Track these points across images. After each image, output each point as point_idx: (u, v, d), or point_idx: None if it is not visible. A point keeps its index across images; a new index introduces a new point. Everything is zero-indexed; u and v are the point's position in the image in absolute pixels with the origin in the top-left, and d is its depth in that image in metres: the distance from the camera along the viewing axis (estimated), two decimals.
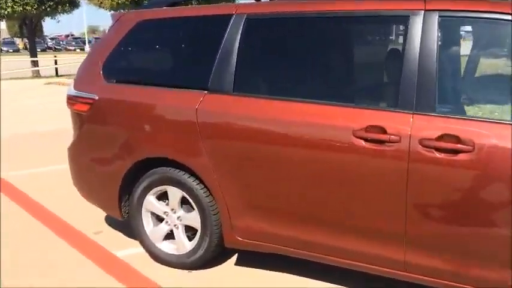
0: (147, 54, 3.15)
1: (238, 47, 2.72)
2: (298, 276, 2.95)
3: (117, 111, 3.09)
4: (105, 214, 3.95)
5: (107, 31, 3.38)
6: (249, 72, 2.75)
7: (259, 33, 2.74)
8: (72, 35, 73.58)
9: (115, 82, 3.13)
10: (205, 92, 2.78)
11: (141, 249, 3.31)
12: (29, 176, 5.20)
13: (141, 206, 3.11)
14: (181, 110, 2.83)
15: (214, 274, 3.04)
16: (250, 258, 3.10)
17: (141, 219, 3.14)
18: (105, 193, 3.23)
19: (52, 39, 68.63)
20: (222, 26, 2.79)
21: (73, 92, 3.28)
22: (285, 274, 2.99)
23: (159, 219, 3.16)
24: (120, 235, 3.63)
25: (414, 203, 2.28)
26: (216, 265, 3.11)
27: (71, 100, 3.29)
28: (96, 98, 3.12)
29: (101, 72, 3.17)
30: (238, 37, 2.72)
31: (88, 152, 3.28)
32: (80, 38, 64.84)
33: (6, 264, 3.19)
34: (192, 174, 2.88)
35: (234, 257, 3.22)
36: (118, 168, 3.10)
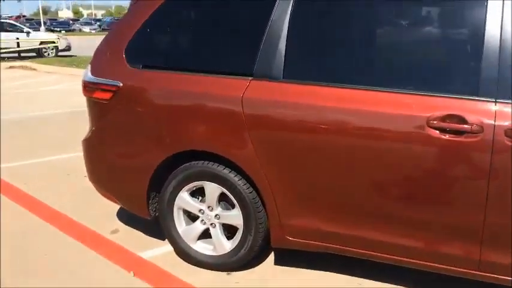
0: (178, 36, 2.84)
1: (288, 28, 2.47)
2: (345, 276, 2.78)
3: (146, 99, 2.79)
4: (116, 210, 3.68)
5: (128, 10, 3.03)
6: (300, 56, 2.50)
7: (312, 14, 2.49)
8: (23, 16, 70.07)
9: (141, 67, 2.82)
10: (250, 78, 2.52)
11: (167, 249, 3.08)
12: (18, 168, 4.79)
13: (173, 203, 2.85)
14: (224, 99, 2.56)
15: (255, 275, 2.83)
16: (289, 256, 2.90)
17: (173, 218, 2.88)
18: (131, 190, 2.94)
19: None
20: (268, 5, 2.53)
21: (91, 78, 2.95)
22: (331, 273, 2.81)
23: (191, 217, 2.91)
24: (139, 234, 3.35)
25: (496, 197, 2.12)
26: (255, 265, 2.89)
27: (89, 87, 2.96)
28: (121, 85, 2.81)
29: (124, 56, 2.86)
30: (287, 17, 2.47)
31: (110, 145, 2.97)
32: (33, 19, 61.84)
33: (6, 264, 2.89)
34: (233, 168, 2.63)
35: (271, 256, 3.01)
36: (147, 163, 2.81)
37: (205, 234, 2.87)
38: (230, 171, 2.65)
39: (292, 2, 2.47)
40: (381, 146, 2.27)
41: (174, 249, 2.96)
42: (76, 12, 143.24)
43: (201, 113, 2.64)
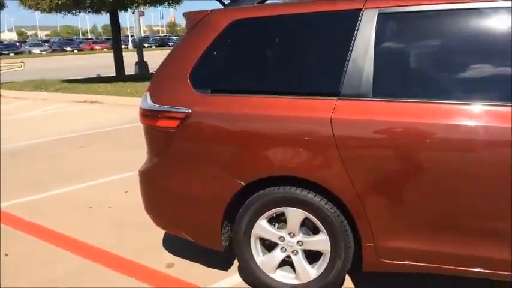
0: (249, 58, 2.72)
1: (375, 46, 2.42)
2: None
3: (219, 126, 2.65)
4: (159, 243, 3.50)
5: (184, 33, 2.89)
6: (391, 73, 2.45)
7: (400, 30, 2.45)
8: None
9: (210, 92, 2.69)
10: (336, 98, 2.45)
11: (235, 280, 2.95)
12: (33, 204, 4.47)
13: (250, 232, 2.71)
14: (309, 121, 2.47)
15: None
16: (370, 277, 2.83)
17: (250, 248, 2.74)
18: (202, 222, 2.78)
19: None
20: (350, 23, 2.47)
21: (154, 105, 2.78)
22: None
23: (266, 245, 2.78)
24: (198, 266, 3.17)
25: None
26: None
27: (151, 115, 2.79)
28: (189, 111, 2.67)
29: (189, 81, 2.72)
30: (373, 35, 2.42)
31: (177, 176, 2.80)
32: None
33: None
34: (318, 192, 2.54)
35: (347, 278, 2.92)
36: (222, 193, 2.67)
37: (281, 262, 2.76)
38: (315, 195, 2.55)
39: (376, 21, 2.43)
40: (485, 161, 2.24)
41: (251, 280, 2.81)
42: (20, 33, 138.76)
43: (283, 137, 2.53)
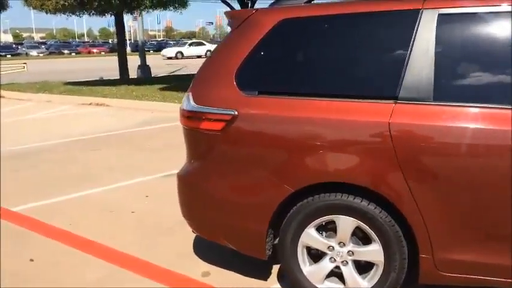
0: (299, 59, 2.61)
1: (435, 47, 2.31)
2: None
3: (268, 129, 2.54)
4: (190, 250, 3.37)
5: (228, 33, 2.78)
6: (453, 77, 2.35)
7: (461, 31, 2.35)
8: None
9: (257, 94, 2.57)
10: (393, 101, 2.34)
11: None
12: (52, 207, 4.33)
13: (298, 241, 2.59)
14: (367, 126, 2.36)
15: None
16: None
17: (297, 258, 2.62)
18: (247, 229, 2.66)
19: None
20: (408, 24, 2.37)
21: (197, 107, 2.66)
22: None
23: (312, 255, 2.66)
24: (236, 276, 3.03)
25: None
26: None
27: (194, 117, 2.67)
28: (235, 113, 2.55)
29: (235, 82, 2.60)
30: (433, 36, 2.32)
31: (220, 180, 2.68)
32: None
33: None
34: (372, 200, 2.43)
35: None
36: (269, 199, 2.55)
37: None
38: (368, 203, 2.43)
39: (436, 22, 2.32)
40: None
41: None
42: (16, 35, 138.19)
43: (337, 141, 2.42)
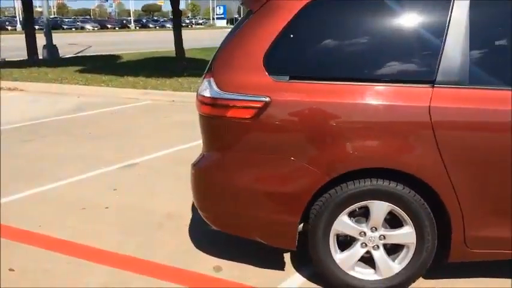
0: (330, 42, 2.51)
1: (470, 32, 2.37)
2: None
3: (303, 116, 2.44)
4: (191, 246, 3.20)
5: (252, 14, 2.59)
6: (487, 60, 2.42)
7: (494, 16, 2.42)
8: None
9: (288, 79, 2.46)
10: (430, 85, 2.37)
11: (299, 280, 2.78)
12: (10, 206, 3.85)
13: (330, 229, 2.55)
14: (406, 110, 2.37)
15: None
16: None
17: (328, 245, 2.58)
18: (278, 220, 2.56)
19: None
20: (441, 7, 2.40)
21: (223, 93, 2.48)
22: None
23: (340, 242, 2.64)
24: (249, 268, 2.92)
25: None
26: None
27: (219, 105, 2.49)
28: (268, 100, 2.42)
29: (264, 66, 2.46)
30: (467, 20, 2.37)
31: (248, 171, 2.54)
32: None
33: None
34: (406, 184, 2.46)
35: None
36: (304, 188, 2.47)
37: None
38: (403, 188, 2.46)
39: (469, 6, 2.37)
40: None
41: (328, 279, 2.65)
42: None
43: (375, 126, 2.40)
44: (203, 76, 2.73)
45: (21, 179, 4.49)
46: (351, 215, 2.58)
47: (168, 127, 6.52)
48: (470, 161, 2.38)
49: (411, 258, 2.56)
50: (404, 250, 2.58)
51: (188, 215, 3.67)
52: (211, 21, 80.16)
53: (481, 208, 2.44)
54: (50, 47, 16.07)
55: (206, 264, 2.97)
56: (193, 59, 13.26)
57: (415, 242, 2.53)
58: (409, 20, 2.45)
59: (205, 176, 2.66)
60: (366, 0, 2.47)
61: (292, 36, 2.48)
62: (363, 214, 2.57)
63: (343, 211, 2.52)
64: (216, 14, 76.67)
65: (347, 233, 2.58)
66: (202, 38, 26.09)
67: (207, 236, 3.27)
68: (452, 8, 2.38)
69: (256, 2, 2.58)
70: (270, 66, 2.46)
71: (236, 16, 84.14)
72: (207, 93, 2.54)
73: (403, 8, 2.45)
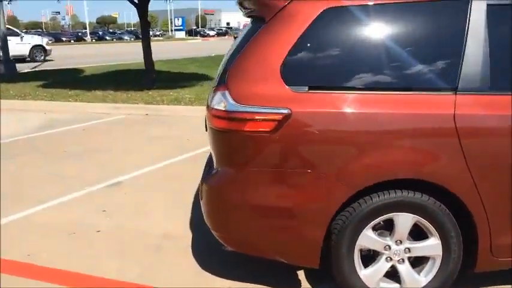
0: (350, 51, 2.41)
1: (489, 38, 2.34)
2: None
3: (325, 127, 2.33)
4: (197, 269, 3.02)
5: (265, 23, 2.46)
6: (507, 65, 2.38)
7: (510, 21, 2.40)
8: None
9: (308, 89, 2.35)
10: (453, 93, 2.32)
11: None
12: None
13: (355, 244, 2.45)
14: (430, 118, 2.31)
15: None
16: None
17: (353, 261, 2.48)
18: (301, 238, 2.44)
19: None
20: (458, 14, 2.36)
21: (240, 106, 2.34)
22: None
23: (363, 257, 2.54)
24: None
25: None
26: None
27: (237, 118, 2.35)
28: (289, 112, 2.30)
29: (281, 77, 2.35)
30: (485, 24, 2.34)
31: (269, 186, 2.41)
32: None
33: None
34: (431, 194, 2.39)
35: None
36: (328, 203, 2.37)
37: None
38: (428, 198, 2.39)
39: (486, 12, 2.34)
40: None
41: None
42: None
43: (401, 136, 2.33)
44: (213, 89, 2.60)
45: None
46: (374, 228, 2.49)
47: (148, 142, 6.28)
48: (495, 168, 2.34)
49: (438, 270, 2.50)
50: (430, 262, 2.51)
51: (187, 235, 3.49)
52: (169, 32, 79.53)
53: (507, 215, 2.39)
54: (7, 62, 15.37)
55: (221, 286, 2.80)
56: (160, 71, 12.97)
57: (441, 254, 2.47)
58: (429, 27, 2.39)
59: (221, 193, 2.51)
60: (383, 7, 2.40)
61: (309, 45, 2.38)
62: (386, 227, 2.49)
63: (367, 225, 2.43)
64: (175, 26, 76.13)
65: (372, 248, 2.49)
66: (164, 50, 25.77)
67: (213, 256, 3.11)
68: (470, 13, 2.34)
69: (269, 10, 2.46)
70: (288, 76, 2.35)
71: (194, 27, 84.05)
72: (221, 107, 2.40)
73: (423, 14, 2.39)
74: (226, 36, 64.21)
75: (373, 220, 2.42)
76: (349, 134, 2.33)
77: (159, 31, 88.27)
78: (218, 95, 2.45)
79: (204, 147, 5.82)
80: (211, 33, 72.30)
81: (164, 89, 10.08)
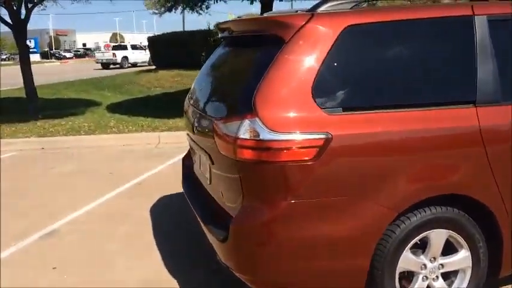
0: (375, 68, 2.29)
1: (495, 52, 2.44)
2: None
3: (365, 149, 2.22)
4: None
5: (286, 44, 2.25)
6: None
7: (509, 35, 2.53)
8: None
9: (342, 111, 2.22)
10: (472, 105, 2.37)
11: None
12: None
13: (395, 267, 2.36)
14: (460, 133, 2.34)
15: None
16: None
17: (395, 285, 2.39)
18: (344, 267, 2.30)
19: None
20: (464, 29, 2.44)
21: (276, 134, 2.11)
22: None
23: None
24: None
25: None
26: None
27: (275, 147, 2.12)
28: (328, 136, 2.14)
29: (314, 100, 2.18)
30: (489, 41, 2.45)
31: (310, 218, 2.21)
32: None
33: None
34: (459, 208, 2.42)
35: None
36: (373, 227, 2.27)
37: None
38: (459, 212, 2.41)
39: (488, 27, 2.44)
40: None
41: None
42: None
43: (438, 152, 2.32)
44: (230, 117, 2.32)
45: None
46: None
47: (63, 180, 5.53)
48: None
49: (468, 282, 2.51)
50: (460, 275, 2.53)
51: (170, 279, 3.09)
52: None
53: None
54: None
55: None
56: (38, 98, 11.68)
57: (471, 265, 2.49)
58: (440, 41, 2.43)
59: (253, 232, 2.25)
60: (403, 24, 2.37)
61: (336, 64, 2.26)
62: (418, 245, 2.45)
63: (407, 246, 2.37)
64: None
65: (410, 269, 2.42)
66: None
67: None
68: (476, 30, 2.42)
69: (287, 30, 2.29)
70: (320, 98, 2.19)
71: (47, 49, 78.33)
72: (253, 136, 2.14)
73: (434, 30, 2.42)
74: (86, 58, 60.96)
75: (412, 240, 2.37)
76: (391, 154, 2.25)
77: (6, 54, 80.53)
78: (245, 123, 2.18)
79: (134, 179, 5.33)
80: (68, 55, 67.87)
81: (53, 118, 9.08)
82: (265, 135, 2.12)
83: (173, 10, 17.90)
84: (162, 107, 9.92)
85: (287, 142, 2.12)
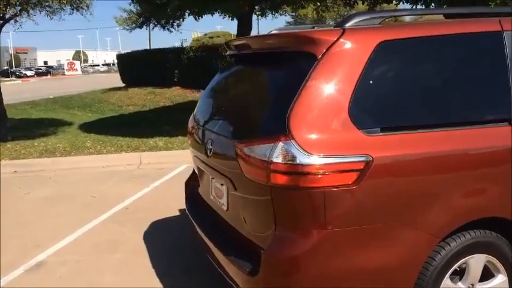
0: (411, 86, 2.17)
1: None
2: None
3: (407, 171, 2.09)
4: None
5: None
6: None
7: None
8: None
9: (380, 131, 2.07)
10: (506, 124, 2.28)
11: None
12: None
13: None
14: (499, 153, 2.25)
15: None
16: None
17: None
18: None
19: None
20: (494, 45, 2.36)
21: (315, 158, 1.94)
22: None
23: None
24: None
25: None
26: None
27: (313, 172, 1.95)
28: (369, 159, 1.99)
29: (351, 120, 2.03)
30: None
31: (351, 247, 2.05)
32: None
33: None
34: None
35: None
36: (417, 254, 2.14)
37: None
38: (497, 235, 2.31)
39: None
40: None
41: None
42: None
43: (478, 173, 2.22)
44: (258, 140, 2.13)
45: None
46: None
47: (41, 206, 5.16)
48: None
49: None
50: None
51: None
52: None
53: None
54: None
55: None
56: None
57: None
58: (471, 58, 2.34)
59: (290, 264, 2.05)
60: (435, 39, 2.27)
61: (371, 82, 2.12)
62: (456, 272, 2.31)
63: (447, 273, 2.24)
64: None
65: None
66: None
67: None
68: (506, 45, 2.34)
69: (317, 46, 2.13)
70: (358, 119, 2.04)
71: (6, 68, 76.07)
72: (287, 160, 1.96)
73: (465, 46, 2.34)
74: (49, 76, 59.50)
75: (452, 267, 2.25)
76: (433, 176, 2.12)
77: None
78: (279, 146, 2.00)
79: (120, 203, 5.02)
80: (29, 73, 65.84)
81: (23, 139, 8.64)
82: (302, 158, 1.95)
83: (144, 26, 17.65)
84: (139, 126, 9.59)
85: (326, 166, 1.95)
